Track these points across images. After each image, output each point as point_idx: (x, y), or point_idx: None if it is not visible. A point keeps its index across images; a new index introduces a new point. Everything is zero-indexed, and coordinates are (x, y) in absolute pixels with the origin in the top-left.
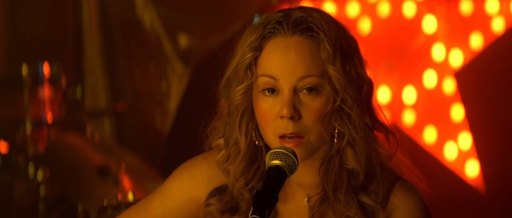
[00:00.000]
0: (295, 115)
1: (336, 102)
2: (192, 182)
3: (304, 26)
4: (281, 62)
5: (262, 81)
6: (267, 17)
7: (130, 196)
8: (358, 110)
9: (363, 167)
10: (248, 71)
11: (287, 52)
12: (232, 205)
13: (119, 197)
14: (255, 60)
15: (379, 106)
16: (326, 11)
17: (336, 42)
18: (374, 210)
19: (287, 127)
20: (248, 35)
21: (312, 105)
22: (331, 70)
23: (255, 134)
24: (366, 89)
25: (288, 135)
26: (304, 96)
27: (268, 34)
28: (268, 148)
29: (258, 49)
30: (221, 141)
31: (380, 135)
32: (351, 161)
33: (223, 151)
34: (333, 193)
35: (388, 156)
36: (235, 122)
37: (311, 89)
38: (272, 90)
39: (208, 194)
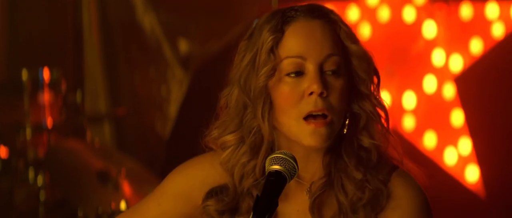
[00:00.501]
0: (325, 90)
1: (366, 82)
2: (187, 183)
3: (321, 12)
4: (308, 41)
5: (288, 63)
6: (277, 10)
7: (123, 205)
8: (374, 92)
9: (376, 147)
10: (271, 54)
11: (313, 32)
12: (232, 205)
13: (113, 205)
14: (276, 44)
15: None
16: None
17: (349, 27)
18: (378, 194)
19: (317, 103)
20: (266, 22)
21: (337, 85)
22: (355, 48)
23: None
24: (376, 74)
25: (314, 113)
26: (328, 77)
27: (289, 19)
28: (278, 143)
29: (279, 32)
30: (229, 138)
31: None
32: (367, 141)
33: (230, 149)
34: (356, 169)
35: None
36: (258, 109)
37: (335, 71)
38: (297, 73)
39: (204, 195)
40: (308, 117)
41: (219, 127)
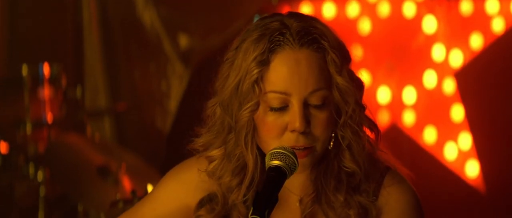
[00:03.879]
0: (307, 128)
1: (347, 113)
2: (182, 188)
3: (310, 38)
4: (293, 76)
5: (272, 97)
6: (265, 26)
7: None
8: (360, 114)
9: (362, 167)
10: (256, 87)
11: (298, 66)
12: (223, 215)
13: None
14: (261, 76)
15: (366, 103)
16: (317, 18)
17: (339, 50)
18: (367, 207)
19: (298, 140)
20: (251, 48)
21: (321, 117)
22: (340, 80)
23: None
24: (362, 91)
25: (297, 147)
26: (313, 109)
27: (274, 47)
28: (262, 155)
29: (265, 63)
30: (214, 153)
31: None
32: (349, 164)
33: (216, 162)
34: (333, 195)
35: (373, 150)
36: (241, 139)
37: (319, 105)
38: (282, 107)
39: (197, 202)
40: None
41: (205, 137)
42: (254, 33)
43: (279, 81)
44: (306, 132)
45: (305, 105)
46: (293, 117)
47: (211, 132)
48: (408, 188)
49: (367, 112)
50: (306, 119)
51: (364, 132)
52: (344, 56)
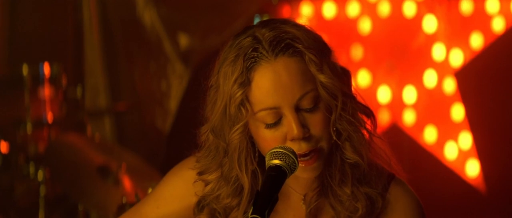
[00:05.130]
0: (306, 133)
1: (338, 107)
2: (184, 185)
3: (283, 45)
4: (277, 88)
5: (263, 115)
6: (238, 45)
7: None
8: (351, 104)
9: (364, 157)
10: (242, 109)
11: (280, 77)
12: None
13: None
14: (246, 96)
15: (356, 90)
16: (287, 19)
17: (315, 48)
18: (373, 198)
19: (301, 147)
20: (229, 70)
21: (316, 118)
22: (323, 79)
23: (252, 163)
24: (349, 79)
25: (303, 154)
26: (306, 113)
27: (251, 65)
28: (262, 168)
29: (246, 83)
30: (210, 177)
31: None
32: (351, 155)
33: (211, 185)
34: (339, 188)
35: (370, 138)
36: (235, 161)
37: (311, 108)
38: (276, 121)
39: (197, 201)
40: (298, 157)
41: (202, 162)
42: (230, 55)
43: (265, 98)
44: (306, 136)
45: (298, 110)
46: (289, 126)
47: (207, 158)
48: (412, 196)
49: (359, 98)
50: (302, 124)
51: (361, 119)
52: (322, 52)
